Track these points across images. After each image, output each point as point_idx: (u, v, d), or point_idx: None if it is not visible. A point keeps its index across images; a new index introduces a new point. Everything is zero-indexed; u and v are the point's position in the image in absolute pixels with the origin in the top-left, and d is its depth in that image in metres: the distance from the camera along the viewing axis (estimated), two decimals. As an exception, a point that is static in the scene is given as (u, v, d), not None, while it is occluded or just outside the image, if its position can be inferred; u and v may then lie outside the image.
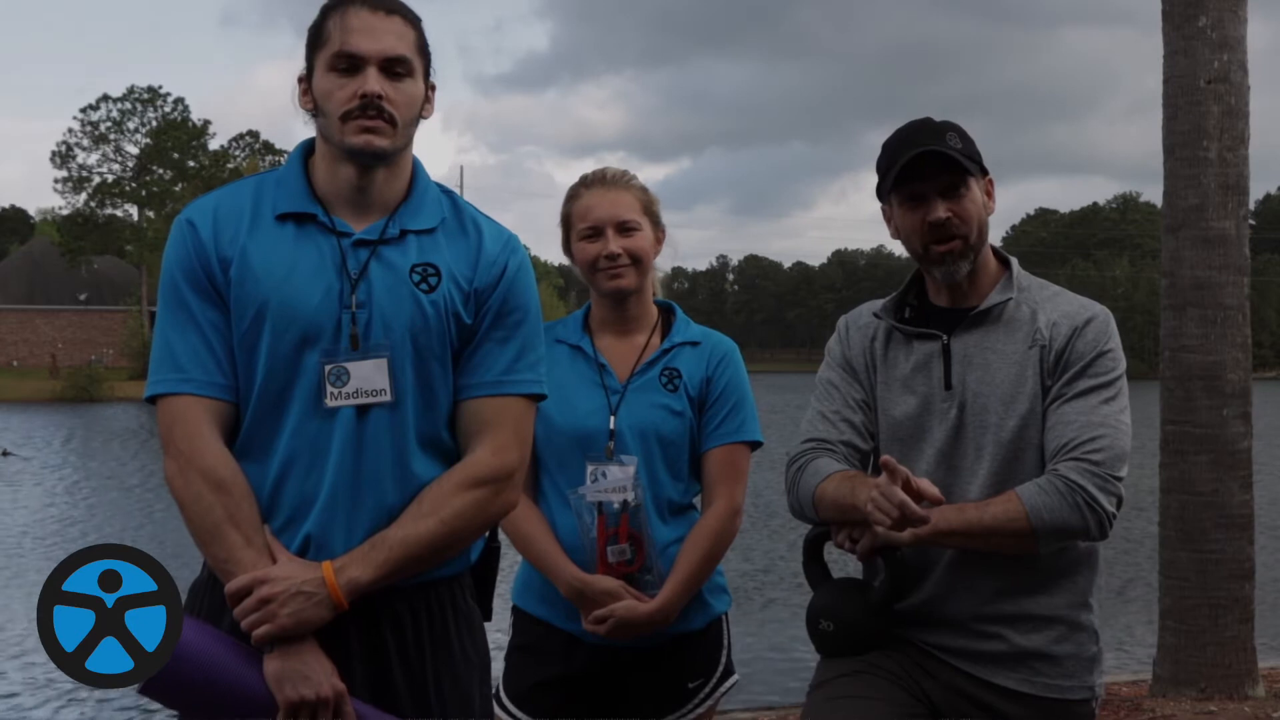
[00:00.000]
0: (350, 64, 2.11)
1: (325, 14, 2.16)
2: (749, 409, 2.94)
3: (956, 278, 2.52)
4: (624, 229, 2.89)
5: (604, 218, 2.88)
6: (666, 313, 3.03)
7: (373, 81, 2.09)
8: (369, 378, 2.10)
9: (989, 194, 2.55)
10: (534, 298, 2.24)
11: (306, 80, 2.18)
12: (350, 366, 2.10)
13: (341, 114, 2.10)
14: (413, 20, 2.18)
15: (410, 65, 2.14)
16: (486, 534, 2.30)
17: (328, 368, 2.09)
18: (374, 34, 2.11)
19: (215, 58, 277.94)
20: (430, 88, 2.21)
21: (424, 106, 2.20)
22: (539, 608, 2.92)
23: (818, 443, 2.60)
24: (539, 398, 2.23)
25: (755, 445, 2.93)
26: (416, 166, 2.25)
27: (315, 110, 2.17)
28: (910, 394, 2.53)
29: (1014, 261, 2.59)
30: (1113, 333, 2.49)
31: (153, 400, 2.13)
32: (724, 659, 3.01)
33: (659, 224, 2.97)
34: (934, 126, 2.52)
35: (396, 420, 2.12)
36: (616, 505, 2.79)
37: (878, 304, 2.67)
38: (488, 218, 2.27)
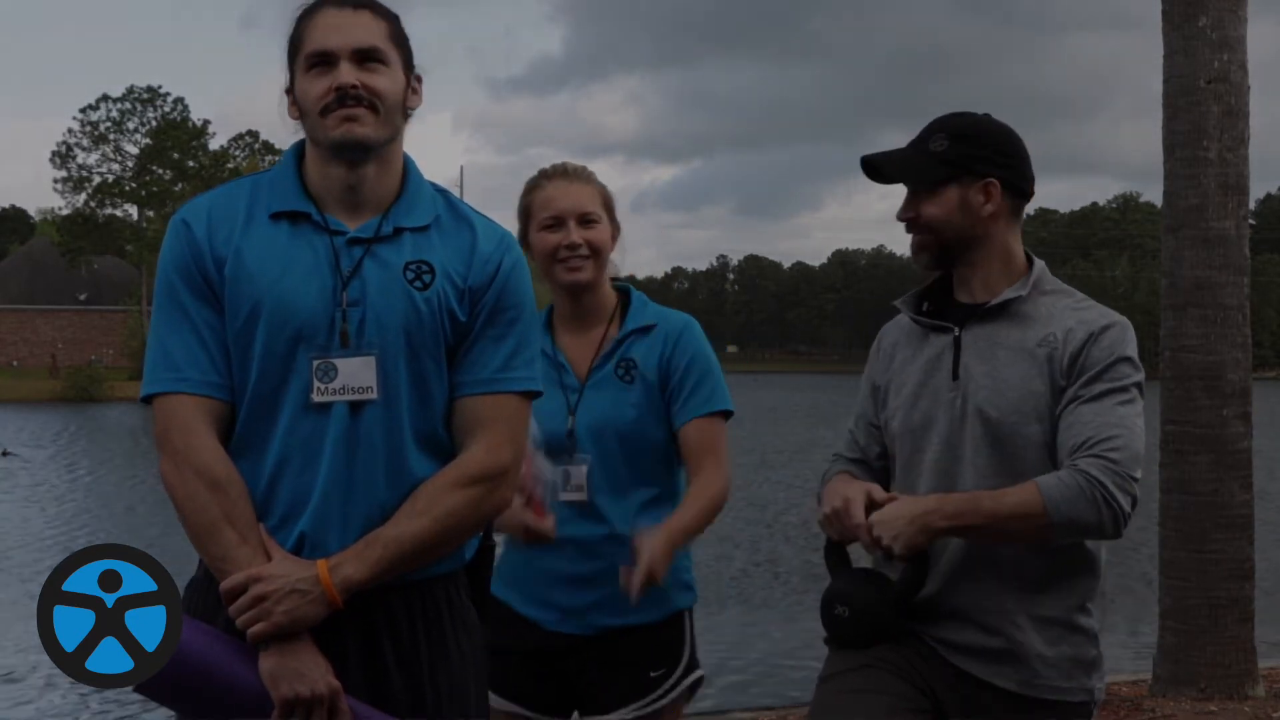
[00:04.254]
0: (324, 61, 2.13)
1: (297, 21, 2.19)
2: (716, 379, 2.95)
3: (920, 265, 2.61)
4: (585, 221, 2.92)
5: (566, 208, 2.91)
6: (624, 297, 3.04)
7: (346, 73, 2.11)
8: (356, 375, 2.10)
9: (988, 195, 2.54)
10: (529, 295, 2.25)
11: (291, 91, 2.20)
12: (339, 363, 2.10)
13: (320, 109, 2.12)
14: (383, 13, 2.19)
15: (384, 55, 2.15)
16: (481, 532, 2.30)
17: (316, 363, 2.10)
18: (342, 29, 2.13)
19: (236, 59, 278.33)
20: (415, 79, 2.23)
21: (410, 97, 2.21)
22: (501, 590, 2.91)
23: (836, 456, 2.78)
24: (534, 395, 2.23)
25: (728, 414, 2.95)
26: (409, 164, 2.25)
27: (301, 116, 2.18)
28: (923, 385, 2.58)
29: (1039, 264, 2.61)
30: (1131, 341, 2.51)
31: (148, 400, 2.13)
32: (687, 653, 3.01)
33: (615, 220, 3.01)
34: (931, 126, 2.59)
35: (390, 418, 2.12)
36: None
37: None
38: (482, 215, 2.27)
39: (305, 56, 2.14)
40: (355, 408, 2.10)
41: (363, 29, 2.14)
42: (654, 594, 2.86)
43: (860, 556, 2.67)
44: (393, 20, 2.20)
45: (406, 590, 2.14)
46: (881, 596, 2.50)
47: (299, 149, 2.24)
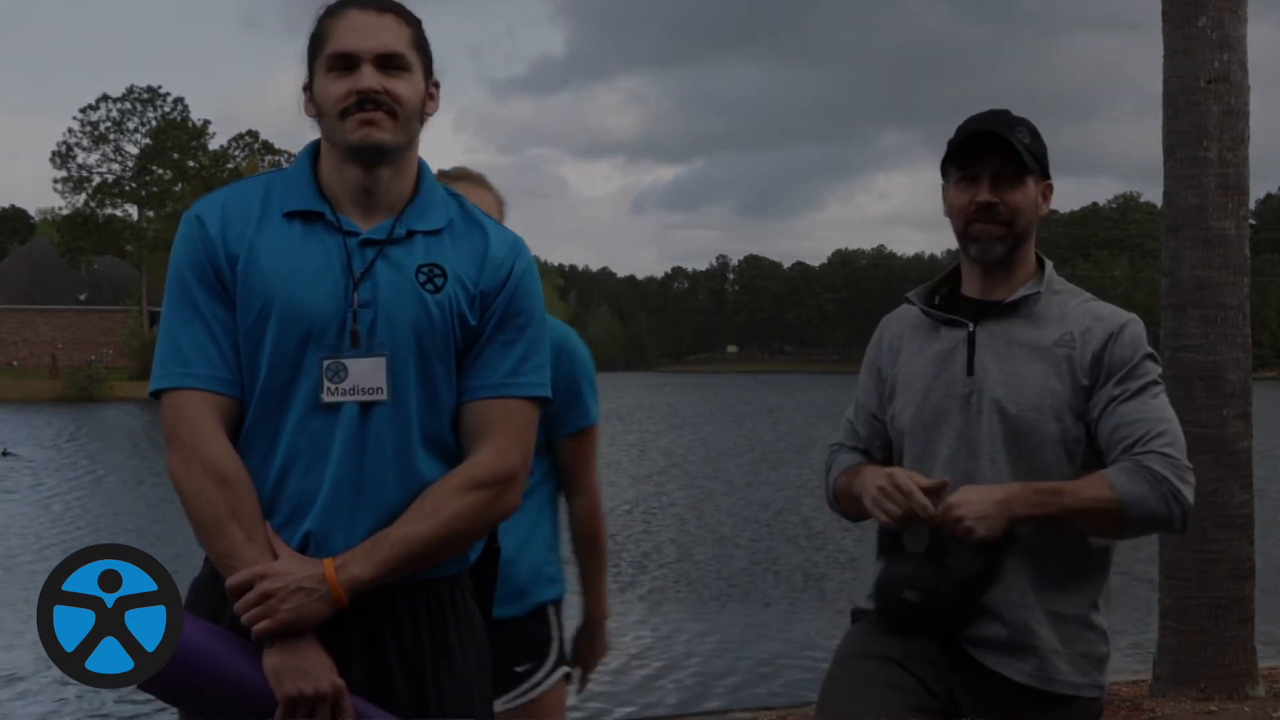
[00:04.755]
0: (346, 63, 2.13)
1: (320, 20, 2.18)
2: (591, 393, 3.04)
3: (990, 256, 2.56)
4: None
5: None
6: None
7: (368, 78, 2.11)
8: (367, 375, 2.10)
9: (1045, 197, 2.60)
10: (539, 301, 2.25)
11: (310, 89, 2.19)
12: (349, 363, 2.10)
13: (339, 111, 2.12)
14: (407, 18, 2.19)
15: (406, 61, 2.15)
16: (487, 535, 2.30)
17: (326, 363, 2.10)
18: (367, 32, 2.13)
19: (238, 59, 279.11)
20: (434, 84, 2.23)
21: (427, 104, 2.21)
22: None
23: (838, 445, 2.79)
24: (543, 401, 2.23)
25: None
26: (423, 168, 2.25)
27: (319, 115, 2.18)
28: (935, 379, 2.58)
29: (1049, 264, 2.64)
30: (1146, 336, 2.56)
31: (157, 395, 2.13)
32: (555, 648, 3.04)
33: None
34: (1009, 118, 2.58)
35: (399, 419, 2.12)
36: None
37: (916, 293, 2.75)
38: (494, 221, 2.27)
39: (327, 57, 2.14)
40: (365, 408, 2.10)
41: (387, 33, 2.14)
42: (514, 587, 2.91)
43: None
44: (416, 25, 2.20)
45: (411, 591, 2.14)
46: (951, 584, 2.45)
47: (314, 148, 2.24)
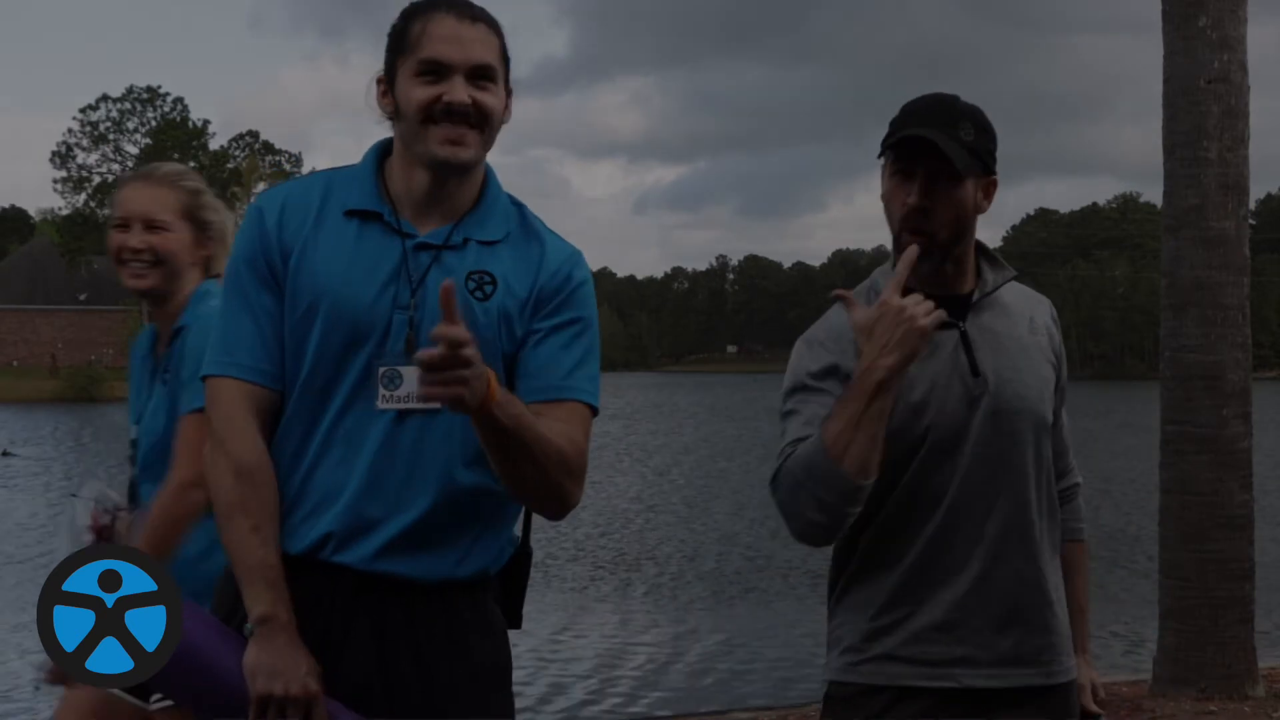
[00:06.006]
0: (436, 71, 2.10)
1: (409, 18, 2.15)
2: None
3: (919, 271, 2.37)
4: (150, 226, 2.95)
5: (132, 212, 2.96)
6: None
7: (459, 90, 2.09)
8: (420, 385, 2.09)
9: (986, 194, 2.44)
10: (595, 314, 2.23)
11: (388, 84, 2.17)
12: (405, 371, 2.09)
13: (422, 116, 2.10)
14: (496, 27, 2.18)
15: (495, 72, 2.14)
16: (519, 538, 2.29)
17: (381, 370, 2.09)
18: (461, 42, 2.11)
19: (243, 60, 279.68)
20: (508, 93, 2.20)
21: (504, 112, 2.19)
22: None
23: (793, 442, 2.34)
24: (596, 411, 2.20)
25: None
26: (489, 174, 2.24)
27: (395, 114, 2.16)
28: (939, 387, 2.39)
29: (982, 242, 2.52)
30: None
31: (204, 380, 2.18)
32: None
33: (205, 230, 3.02)
34: (952, 111, 2.40)
35: (439, 426, 2.10)
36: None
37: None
38: (553, 233, 2.26)
39: (418, 61, 2.11)
40: (403, 414, 2.10)
41: (480, 45, 2.12)
42: (202, 586, 2.87)
43: None
44: (502, 34, 2.18)
45: (428, 592, 2.13)
46: None
47: (383, 147, 2.23)
